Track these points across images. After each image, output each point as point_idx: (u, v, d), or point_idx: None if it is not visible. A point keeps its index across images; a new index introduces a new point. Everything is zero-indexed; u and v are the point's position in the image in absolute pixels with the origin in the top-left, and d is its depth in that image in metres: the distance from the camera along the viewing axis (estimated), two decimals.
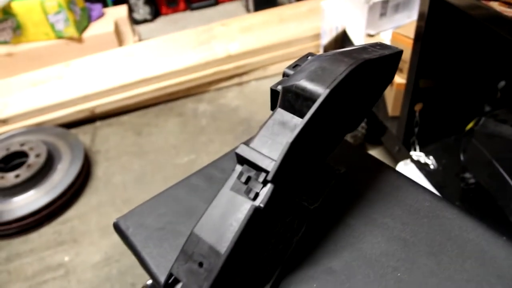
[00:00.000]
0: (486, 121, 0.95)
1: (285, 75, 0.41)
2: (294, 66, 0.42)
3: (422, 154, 1.17)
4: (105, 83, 1.66)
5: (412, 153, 1.17)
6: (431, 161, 1.16)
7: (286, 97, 0.37)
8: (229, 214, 0.34)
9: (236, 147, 0.36)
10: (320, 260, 0.43)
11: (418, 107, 1.13)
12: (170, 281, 0.35)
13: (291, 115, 0.37)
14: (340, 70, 0.37)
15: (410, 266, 0.42)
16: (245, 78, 1.79)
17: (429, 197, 0.48)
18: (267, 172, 0.34)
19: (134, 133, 1.63)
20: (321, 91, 0.35)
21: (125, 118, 1.72)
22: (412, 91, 1.10)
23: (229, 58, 1.73)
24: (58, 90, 1.65)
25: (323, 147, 0.41)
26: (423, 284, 0.41)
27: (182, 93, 1.76)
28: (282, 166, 0.34)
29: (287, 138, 0.34)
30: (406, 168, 1.15)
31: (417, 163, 1.16)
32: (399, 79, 1.23)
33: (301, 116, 0.36)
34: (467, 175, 0.99)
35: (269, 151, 0.35)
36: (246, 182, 0.35)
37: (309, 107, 0.35)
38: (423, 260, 0.42)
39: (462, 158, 1.03)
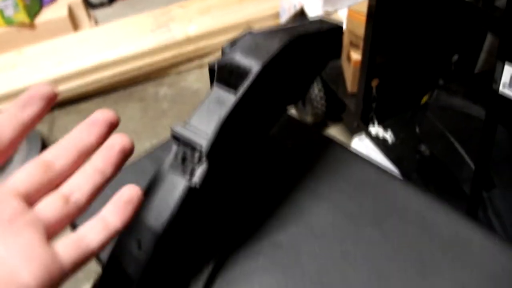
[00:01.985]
0: (439, 94, 0.97)
1: (223, 52, 0.41)
2: (232, 43, 0.41)
3: (380, 129, 1.19)
4: (60, 70, 1.60)
5: (370, 128, 1.19)
6: (389, 136, 1.18)
7: (222, 74, 0.37)
8: (165, 194, 0.33)
9: None
10: (266, 235, 0.43)
11: (374, 83, 1.15)
12: (111, 263, 0.34)
13: (227, 91, 0.36)
14: (274, 45, 0.36)
15: (356, 237, 0.43)
16: (205, 60, 1.77)
17: (374, 170, 0.49)
18: (201, 149, 0.34)
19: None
20: (253, 66, 0.35)
21: (83, 105, 1.68)
22: (368, 67, 1.11)
23: (188, 41, 1.71)
24: (11, 78, 1.59)
25: (263, 121, 0.41)
26: (368, 254, 0.41)
27: (142, 78, 1.73)
28: (216, 143, 0.34)
29: (220, 114, 0.34)
30: (361, 143, 1.17)
31: (375, 138, 1.17)
32: (357, 56, 1.24)
33: (236, 92, 0.36)
34: (422, 147, 1.01)
35: (205, 128, 0.35)
36: (183, 161, 0.34)
37: (243, 83, 0.35)
38: (368, 231, 0.43)
39: (417, 131, 1.05)
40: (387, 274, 0.40)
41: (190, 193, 0.33)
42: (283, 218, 0.44)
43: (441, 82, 1.14)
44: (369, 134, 1.18)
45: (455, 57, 1.22)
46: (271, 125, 0.43)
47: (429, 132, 1.00)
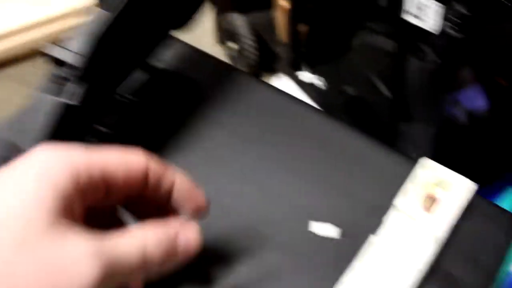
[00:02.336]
0: (361, 35, 0.99)
1: None
2: None
3: (311, 75, 1.21)
4: None
5: (302, 75, 1.21)
6: (320, 81, 1.20)
7: None
8: (37, 114, 0.33)
9: None
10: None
11: (303, 29, 1.15)
12: None
13: (102, 11, 0.36)
14: None
15: (254, 158, 0.44)
16: None
17: (277, 95, 0.50)
18: (76, 68, 0.33)
19: (26, 85, 1.53)
20: None
21: (13, 70, 1.60)
22: (295, 13, 1.11)
23: None
24: None
25: (143, 43, 0.42)
26: (265, 173, 0.43)
27: None
28: (92, 62, 0.34)
29: (94, 32, 0.34)
30: (279, 82, 1.19)
31: (307, 85, 1.19)
32: (285, 3, 1.24)
33: (111, 10, 0.35)
34: (348, 88, 1.04)
35: (80, 48, 0.34)
36: (58, 83, 0.34)
37: (118, 2, 0.35)
38: (267, 152, 0.44)
39: (344, 73, 1.08)
40: (285, 190, 0.41)
41: (66, 112, 0.33)
42: (180, 146, 0.45)
43: (367, 24, 1.16)
44: (300, 81, 1.20)
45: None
46: (151, 49, 0.44)
47: (353, 72, 1.02)
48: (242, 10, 1.42)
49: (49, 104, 0.33)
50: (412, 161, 0.44)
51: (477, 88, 0.92)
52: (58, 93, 0.33)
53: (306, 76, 1.20)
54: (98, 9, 0.36)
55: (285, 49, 1.26)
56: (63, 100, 0.33)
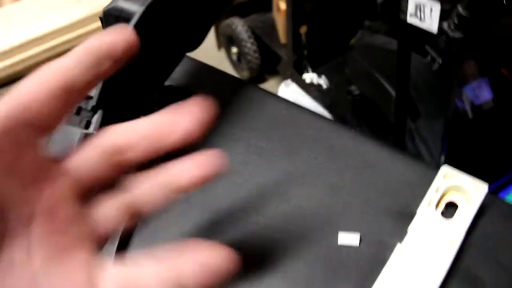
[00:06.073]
0: (362, 34, 0.99)
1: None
2: None
3: (314, 75, 1.21)
4: None
5: (304, 75, 1.21)
6: (323, 81, 1.20)
7: (108, 21, 0.37)
8: (63, 145, 0.34)
9: None
10: None
11: (303, 30, 1.16)
12: None
13: None
14: None
15: (267, 170, 0.44)
16: None
17: (285, 105, 0.50)
18: (90, 97, 0.34)
19: None
20: (136, 9, 0.35)
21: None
22: (294, 14, 1.11)
23: None
24: None
25: (158, 67, 0.42)
26: (279, 184, 0.43)
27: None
28: (104, 92, 0.34)
29: None
30: (287, 88, 1.19)
31: (310, 85, 1.20)
32: (285, 5, 1.24)
33: None
34: (352, 87, 1.04)
35: None
36: (78, 113, 0.35)
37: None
38: (279, 163, 0.45)
39: (346, 72, 1.08)
40: (299, 200, 0.42)
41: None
42: None
43: (367, 23, 1.17)
44: (303, 82, 1.20)
45: None
46: (168, 72, 0.44)
47: (357, 72, 1.03)
48: (242, 14, 1.42)
49: (74, 136, 0.33)
50: (430, 168, 0.44)
51: (483, 82, 0.92)
52: (79, 124, 0.34)
53: (309, 77, 1.21)
54: None
55: (287, 51, 1.26)
56: (79, 129, 0.34)
